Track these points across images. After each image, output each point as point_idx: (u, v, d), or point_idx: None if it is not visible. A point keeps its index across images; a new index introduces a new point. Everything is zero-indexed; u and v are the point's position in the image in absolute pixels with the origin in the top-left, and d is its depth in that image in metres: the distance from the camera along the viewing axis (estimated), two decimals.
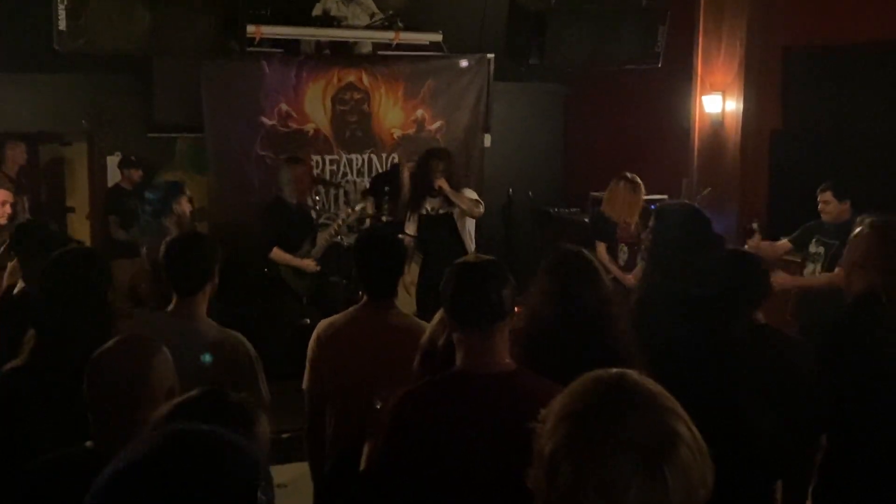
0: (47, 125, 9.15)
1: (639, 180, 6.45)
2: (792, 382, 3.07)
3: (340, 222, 7.27)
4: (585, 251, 3.08)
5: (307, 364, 3.41)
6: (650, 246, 4.04)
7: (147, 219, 6.36)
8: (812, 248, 5.78)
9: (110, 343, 2.21)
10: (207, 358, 2.38)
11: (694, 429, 1.23)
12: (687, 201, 5.49)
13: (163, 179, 7.37)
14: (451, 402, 2.31)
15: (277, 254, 6.56)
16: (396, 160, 8.61)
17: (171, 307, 3.23)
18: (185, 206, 5.72)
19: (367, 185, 8.53)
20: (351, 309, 3.46)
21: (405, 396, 2.38)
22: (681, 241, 3.78)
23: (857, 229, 3.35)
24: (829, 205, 5.67)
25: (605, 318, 2.89)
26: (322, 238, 6.95)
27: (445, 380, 2.37)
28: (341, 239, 7.61)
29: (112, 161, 8.83)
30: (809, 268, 5.76)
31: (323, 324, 3.44)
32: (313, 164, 8.48)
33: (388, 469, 2.33)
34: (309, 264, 6.69)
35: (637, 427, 1.20)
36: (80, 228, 9.72)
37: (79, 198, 9.97)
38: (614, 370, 1.30)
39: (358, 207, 7.41)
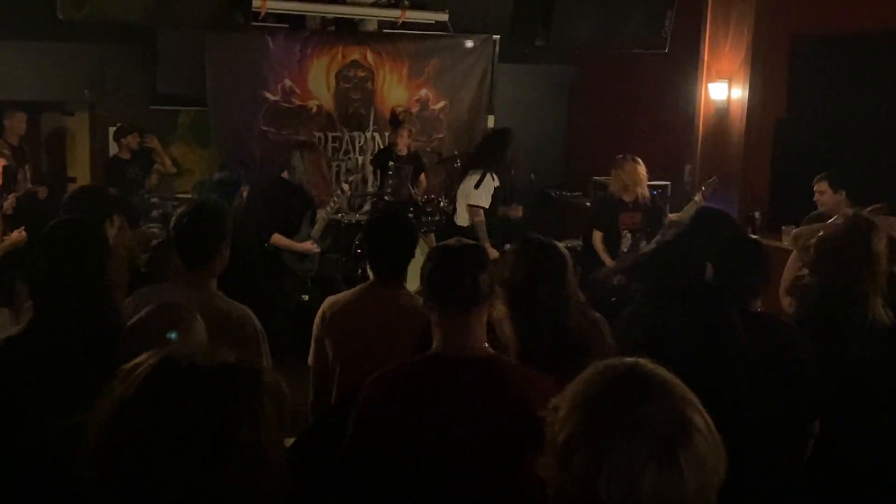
0: (49, 94, 9.11)
1: (638, 158, 6.48)
2: (786, 369, 3.07)
3: (335, 199, 7.21)
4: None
5: (312, 340, 3.39)
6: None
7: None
8: None
9: (145, 311, 2.20)
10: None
11: (707, 417, 1.23)
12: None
13: (228, 173, 7.51)
14: (426, 384, 2.29)
15: (278, 239, 6.49)
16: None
17: (179, 279, 3.20)
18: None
19: (370, 163, 8.51)
20: (358, 287, 3.44)
21: (379, 378, 2.35)
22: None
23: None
24: (823, 195, 5.76)
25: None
26: (319, 217, 6.89)
27: (420, 362, 2.36)
28: (341, 216, 7.58)
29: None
30: None
31: (328, 301, 3.41)
32: (315, 140, 8.44)
33: (359, 449, 2.30)
34: (310, 247, 6.63)
35: (652, 414, 1.20)
36: None
37: (80, 168, 9.95)
38: (628, 359, 1.30)
39: (350, 181, 7.41)
